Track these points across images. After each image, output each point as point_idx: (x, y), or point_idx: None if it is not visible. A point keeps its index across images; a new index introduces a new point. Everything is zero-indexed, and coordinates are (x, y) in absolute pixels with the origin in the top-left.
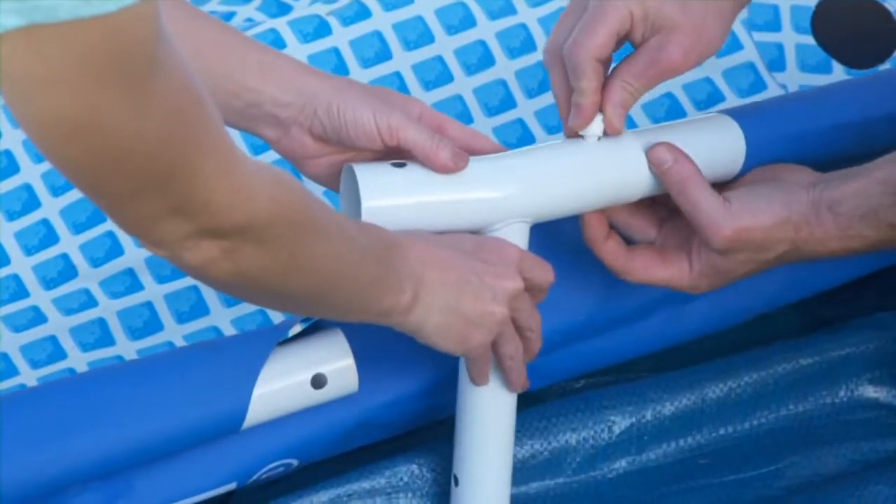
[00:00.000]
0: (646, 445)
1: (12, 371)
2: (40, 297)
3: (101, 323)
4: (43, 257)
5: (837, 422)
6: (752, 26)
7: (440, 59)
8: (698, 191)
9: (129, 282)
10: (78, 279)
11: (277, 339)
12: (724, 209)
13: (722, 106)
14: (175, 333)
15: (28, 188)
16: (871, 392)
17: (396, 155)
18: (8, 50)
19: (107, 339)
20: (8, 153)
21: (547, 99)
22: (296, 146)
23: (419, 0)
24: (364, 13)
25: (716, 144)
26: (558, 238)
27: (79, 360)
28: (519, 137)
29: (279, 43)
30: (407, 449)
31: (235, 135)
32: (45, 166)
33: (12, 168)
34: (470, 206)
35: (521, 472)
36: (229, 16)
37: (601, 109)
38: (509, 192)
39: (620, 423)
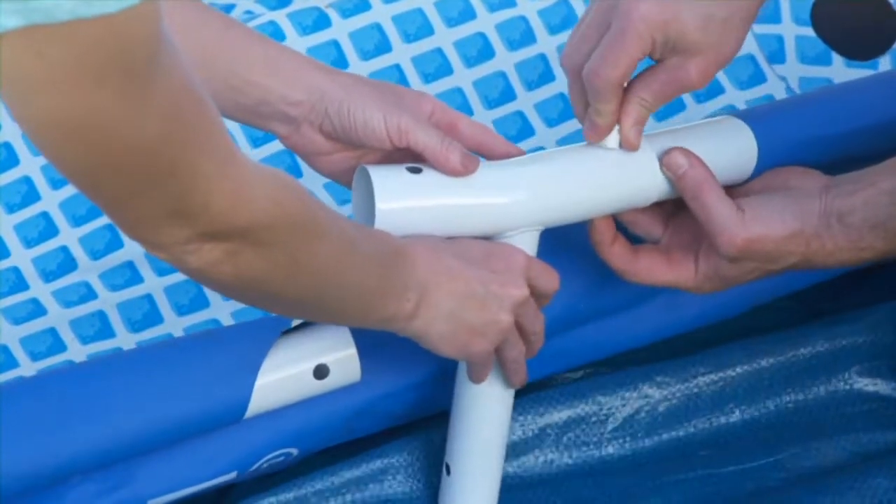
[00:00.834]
0: (642, 436)
1: (12, 363)
2: (40, 289)
3: (101, 315)
4: (42, 250)
5: (836, 414)
6: None
7: (440, 51)
8: (712, 197)
9: (128, 274)
10: (78, 272)
11: (280, 329)
12: (737, 218)
13: (722, 98)
14: (175, 326)
15: (28, 181)
16: (869, 384)
17: (407, 154)
18: (7, 51)
19: (106, 332)
20: (7, 146)
21: (547, 91)
22: (306, 143)
23: None
24: (363, 5)
25: (727, 148)
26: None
27: (78, 352)
28: (519, 129)
29: (278, 35)
30: (399, 437)
31: (234, 126)
32: (45, 159)
33: (12, 160)
34: (483, 212)
35: (514, 452)
36: (229, 8)
37: (618, 122)
38: (522, 197)
39: (616, 413)
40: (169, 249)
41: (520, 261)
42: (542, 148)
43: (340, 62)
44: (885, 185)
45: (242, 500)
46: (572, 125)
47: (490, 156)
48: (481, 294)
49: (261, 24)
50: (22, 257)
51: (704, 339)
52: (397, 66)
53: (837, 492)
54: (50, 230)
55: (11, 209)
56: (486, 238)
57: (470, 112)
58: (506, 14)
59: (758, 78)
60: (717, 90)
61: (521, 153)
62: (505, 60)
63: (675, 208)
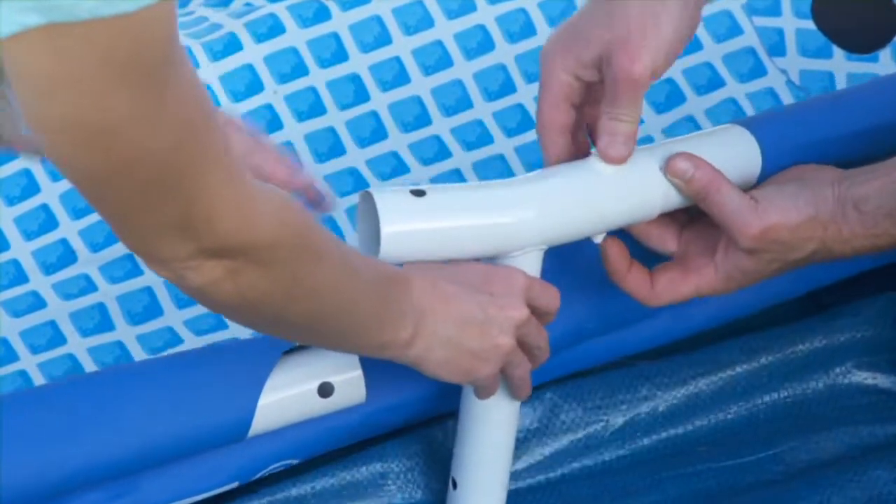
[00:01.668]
0: (642, 433)
1: (12, 356)
2: (40, 282)
3: (101, 308)
4: (42, 242)
5: (835, 407)
6: (752, 11)
7: (440, 43)
8: (724, 192)
9: (128, 267)
10: (77, 264)
11: (285, 347)
12: (751, 207)
13: (722, 91)
14: (175, 318)
15: (27, 173)
16: (868, 377)
17: None
18: (26, 50)
19: (106, 325)
20: None
21: None
22: None
23: None
24: None
25: (731, 156)
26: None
27: (78, 345)
28: (518, 122)
29: (278, 28)
30: (399, 436)
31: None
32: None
33: (12, 153)
34: (489, 232)
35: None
36: (228, 1)
37: (595, 143)
38: (527, 216)
39: (616, 411)
40: (171, 265)
41: (519, 282)
42: None
43: (340, 55)
44: None
45: (239, 500)
46: None
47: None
48: (480, 319)
49: (261, 17)
50: (22, 250)
51: (704, 334)
52: (397, 59)
53: (837, 485)
54: (50, 223)
55: (11, 202)
56: (492, 259)
57: (470, 105)
58: (506, 6)
59: (758, 71)
60: (717, 83)
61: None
62: (505, 53)
63: (686, 219)
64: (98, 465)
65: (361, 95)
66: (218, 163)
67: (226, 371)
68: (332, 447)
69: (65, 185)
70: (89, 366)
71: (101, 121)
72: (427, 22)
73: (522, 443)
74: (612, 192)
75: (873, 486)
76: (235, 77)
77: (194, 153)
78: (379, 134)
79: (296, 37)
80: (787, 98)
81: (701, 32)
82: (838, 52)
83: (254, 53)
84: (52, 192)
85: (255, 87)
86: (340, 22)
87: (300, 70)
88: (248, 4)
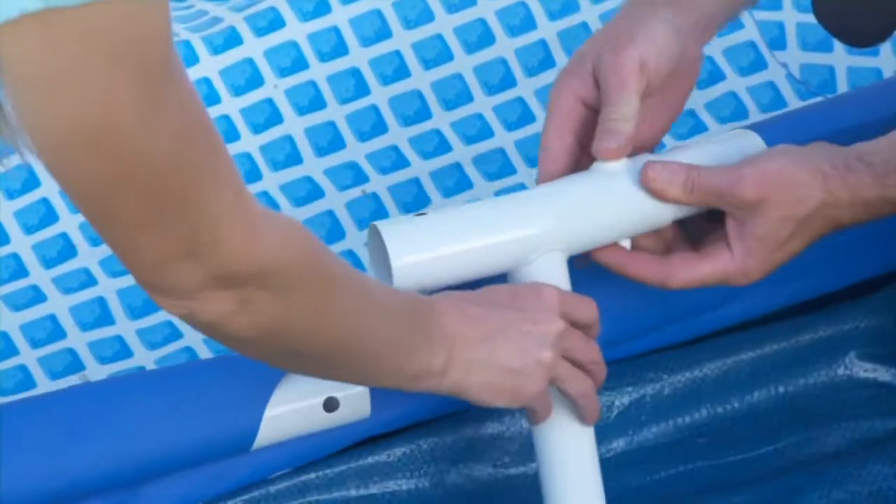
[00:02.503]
0: (644, 424)
1: (12, 350)
2: (40, 276)
3: (101, 302)
4: (42, 236)
5: (836, 401)
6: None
7: (440, 37)
8: (704, 172)
9: None
10: (77, 258)
11: None
12: (740, 165)
13: (722, 85)
14: None
15: (27, 167)
16: (869, 369)
17: None
18: (24, 42)
19: (106, 319)
20: None
21: (547, 77)
22: None
23: None
24: None
25: (741, 159)
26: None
27: (78, 339)
28: (519, 115)
29: (278, 21)
30: (405, 429)
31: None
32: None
33: (11, 147)
34: (501, 248)
35: (521, 452)
36: None
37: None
38: (541, 229)
39: (619, 401)
40: (180, 295)
41: (550, 295)
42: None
43: (341, 48)
44: None
45: (245, 489)
46: None
47: None
48: (513, 336)
49: (261, 11)
50: (22, 244)
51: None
52: (397, 53)
53: (837, 479)
54: (50, 217)
55: (11, 195)
56: (510, 273)
57: (470, 98)
58: (506, 0)
59: (759, 64)
60: (718, 76)
61: None
62: (505, 47)
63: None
64: (100, 474)
65: (361, 89)
66: (223, 184)
67: (232, 383)
68: (334, 451)
69: None
70: (89, 360)
71: (103, 117)
72: (427, 16)
73: (526, 432)
74: (624, 194)
75: (873, 480)
76: (235, 71)
77: (197, 169)
78: (379, 128)
79: (296, 31)
80: (787, 92)
81: None
82: (839, 47)
83: (254, 47)
84: (52, 186)
85: (256, 81)
86: (340, 16)
87: (300, 64)
88: None
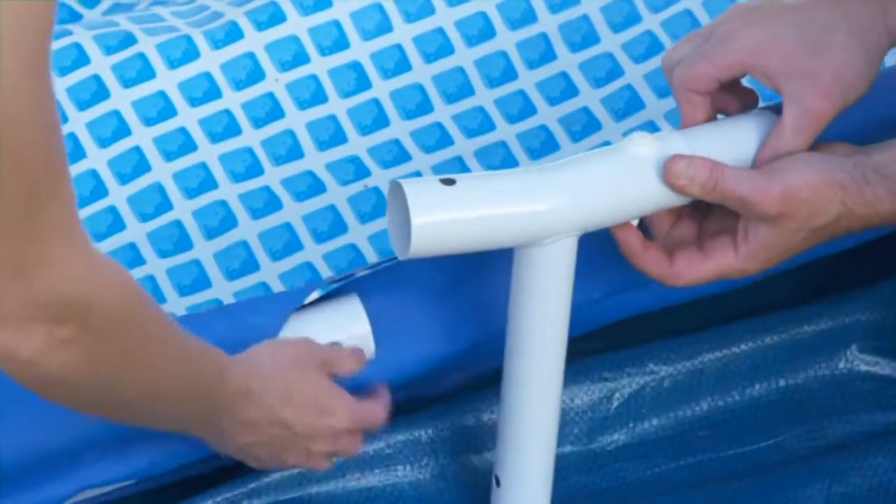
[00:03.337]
0: (644, 416)
1: None
2: None
3: None
4: None
5: (836, 394)
6: None
7: (441, 30)
8: (729, 176)
9: (131, 256)
10: None
11: (294, 306)
12: (766, 175)
13: None
14: (177, 306)
15: None
16: (870, 362)
17: None
18: None
19: None
20: None
21: (548, 70)
22: None
23: None
24: None
25: (761, 141)
26: None
27: None
28: (520, 109)
29: (279, 16)
30: (405, 415)
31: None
32: None
33: None
34: (522, 221)
35: None
36: None
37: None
38: (559, 204)
39: (619, 393)
40: (6, 322)
41: (342, 417)
42: (543, 126)
43: (342, 43)
44: None
45: (243, 478)
46: (574, 103)
47: None
48: (281, 448)
49: (262, 5)
50: None
51: (706, 317)
52: (399, 47)
53: (837, 472)
54: None
55: None
56: (525, 247)
57: (472, 92)
58: None
59: None
60: None
61: None
62: (506, 40)
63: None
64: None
65: (363, 83)
66: (64, 203)
67: (236, 331)
68: None
69: None
70: None
71: None
72: (428, 9)
73: None
74: (645, 176)
75: (874, 474)
76: (237, 65)
77: (50, 170)
78: (380, 122)
79: (297, 25)
80: None
81: (702, 16)
82: None
83: (255, 42)
84: None
85: (257, 75)
86: (341, 10)
87: (301, 58)
88: None
